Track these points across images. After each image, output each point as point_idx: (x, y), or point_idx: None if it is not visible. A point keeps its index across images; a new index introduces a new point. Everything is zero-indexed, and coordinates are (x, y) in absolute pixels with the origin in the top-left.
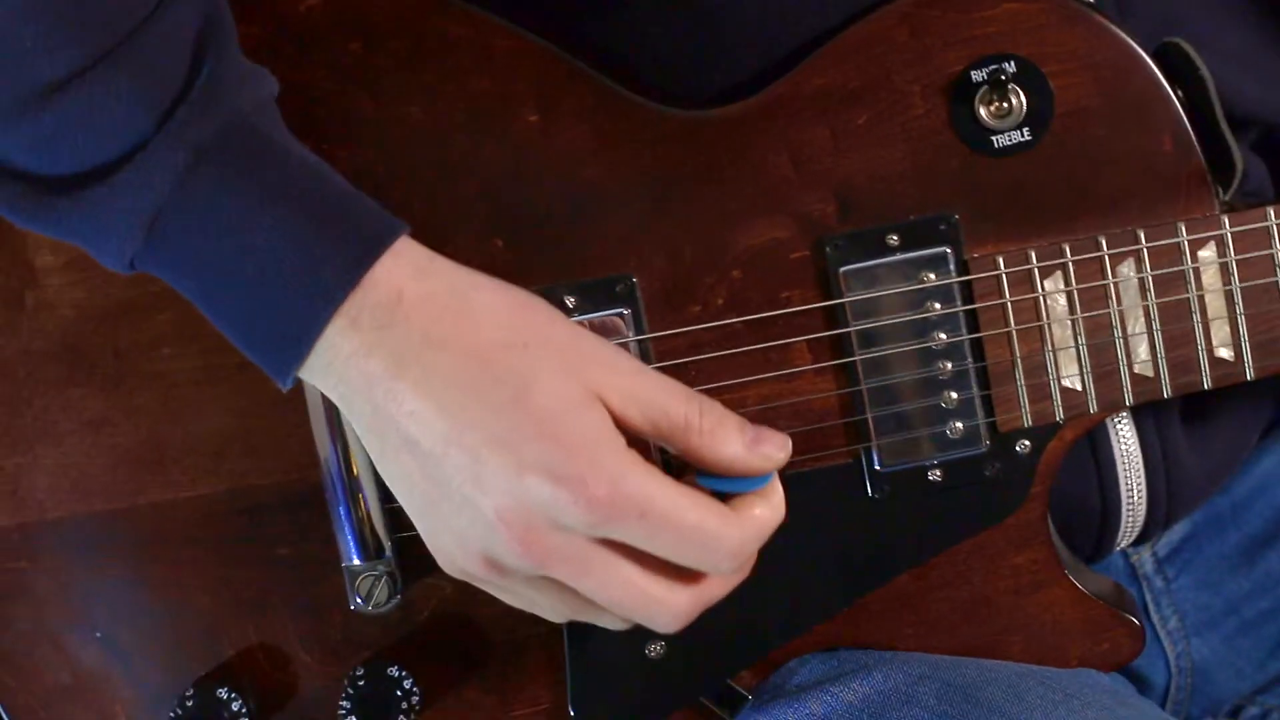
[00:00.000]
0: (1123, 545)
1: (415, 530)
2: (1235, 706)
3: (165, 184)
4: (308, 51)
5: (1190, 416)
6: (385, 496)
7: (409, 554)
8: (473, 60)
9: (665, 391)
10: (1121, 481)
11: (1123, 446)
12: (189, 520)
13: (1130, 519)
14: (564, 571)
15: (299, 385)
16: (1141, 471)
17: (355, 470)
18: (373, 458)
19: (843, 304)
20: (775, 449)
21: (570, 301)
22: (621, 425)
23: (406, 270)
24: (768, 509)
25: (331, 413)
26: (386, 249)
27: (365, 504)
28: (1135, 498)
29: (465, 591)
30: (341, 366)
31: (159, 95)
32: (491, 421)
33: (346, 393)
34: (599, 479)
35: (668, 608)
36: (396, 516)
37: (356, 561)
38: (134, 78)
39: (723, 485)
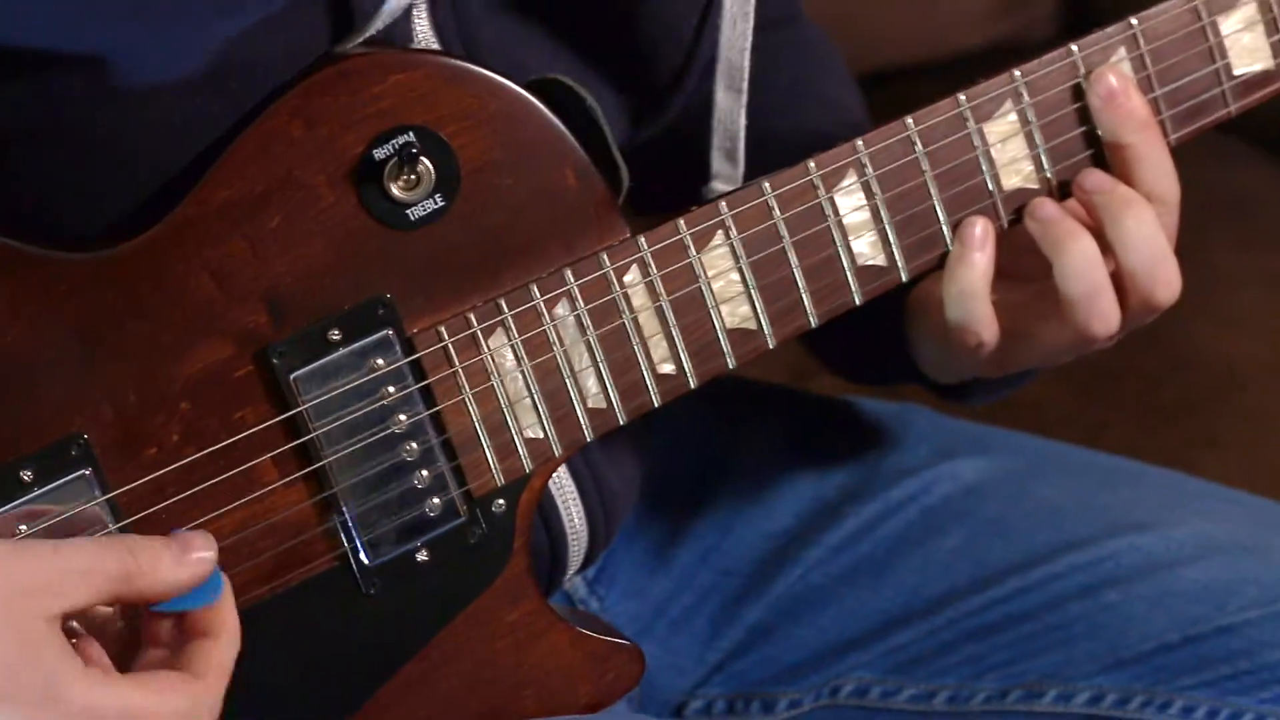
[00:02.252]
0: (569, 575)
1: None
2: (679, 704)
3: None
4: None
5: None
6: None
7: None
8: None
9: (89, 555)
10: (562, 512)
11: (555, 478)
12: None
13: (576, 547)
14: None
15: None
16: (577, 497)
17: None
18: None
19: (300, 412)
20: (203, 547)
21: (27, 476)
22: (79, 613)
23: None
24: (224, 644)
25: None
26: None
27: None
28: (577, 524)
29: None
30: None
31: None
32: None
33: None
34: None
35: None
36: None
37: None
38: None
39: (179, 605)
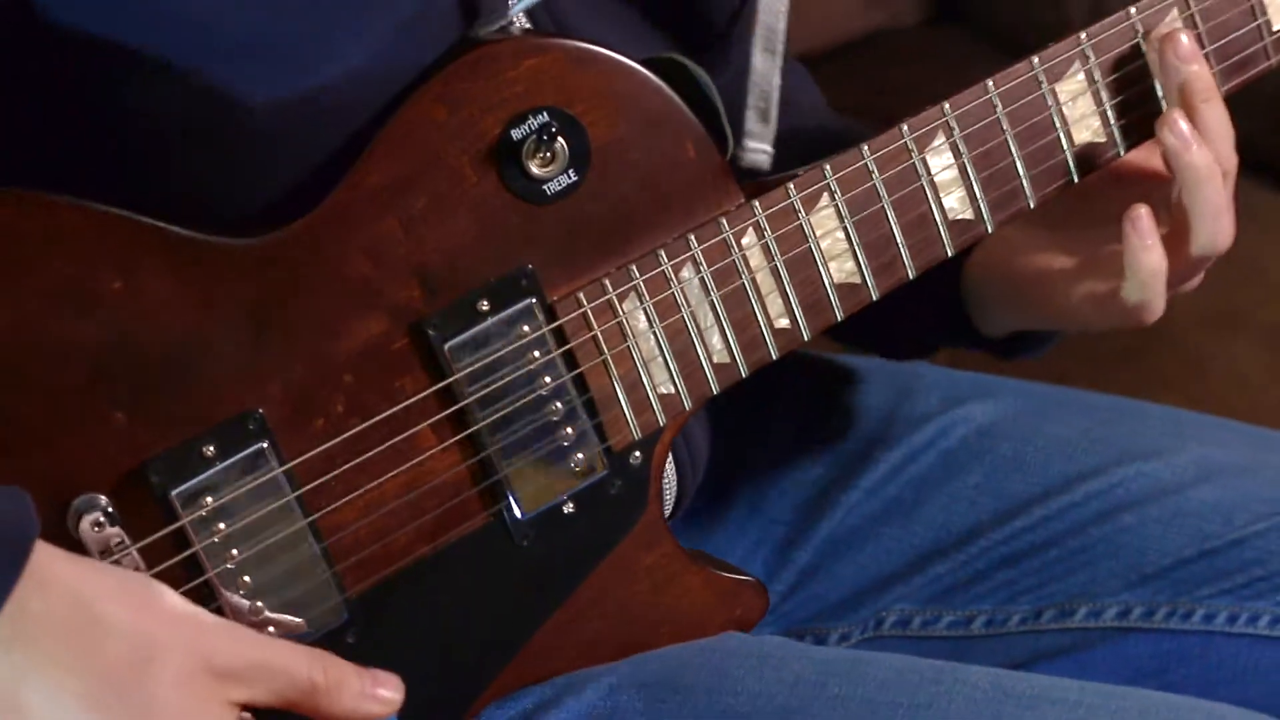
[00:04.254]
0: None
1: None
2: None
3: None
4: None
5: None
6: None
7: None
8: (41, 245)
9: (287, 659)
10: None
11: None
12: None
13: (668, 496)
14: None
15: None
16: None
17: None
18: None
19: (455, 380)
20: (392, 690)
21: (210, 450)
22: (256, 707)
23: (29, 583)
24: None
25: None
26: (21, 573)
27: None
28: (670, 475)
29: None
30: None
31: None
32: None
33: None
34: None
35: None
36: None
37: None
38: None
39: None
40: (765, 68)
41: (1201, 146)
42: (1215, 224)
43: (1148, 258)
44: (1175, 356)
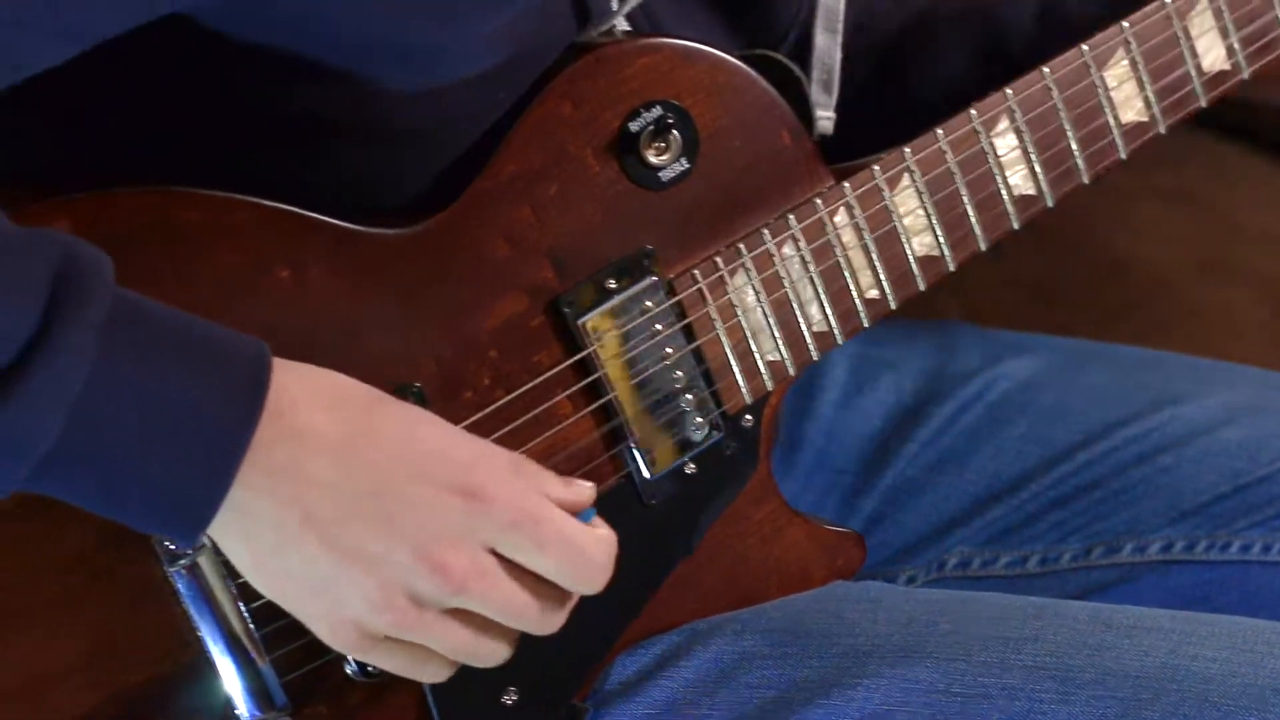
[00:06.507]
0: None
1: (301, 670)
2: None
3: (78, 368)
4: None
5: None
6: (269, 646)
7: (295, 696)
8: (217, 237)
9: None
10: None
11: None
12: None
13: None
14: (479, 586)
15: (155, 570)
16: None
17: (235, 629)
18: (259, 567)
19: (591, 352)
20: (585, 482)
21: None
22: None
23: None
24: (608, 529)
25: (198, 579)
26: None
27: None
28: None
29: (340, 710)
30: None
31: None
32: (396, 464)
33: (247, 498)
34: (505, 492)
35: (550, 617)
36: (281, 663)
37: (258, 715)
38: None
39: None
40: (826, 44)
41: None
42: None
43: None
44: (1173, 306)
